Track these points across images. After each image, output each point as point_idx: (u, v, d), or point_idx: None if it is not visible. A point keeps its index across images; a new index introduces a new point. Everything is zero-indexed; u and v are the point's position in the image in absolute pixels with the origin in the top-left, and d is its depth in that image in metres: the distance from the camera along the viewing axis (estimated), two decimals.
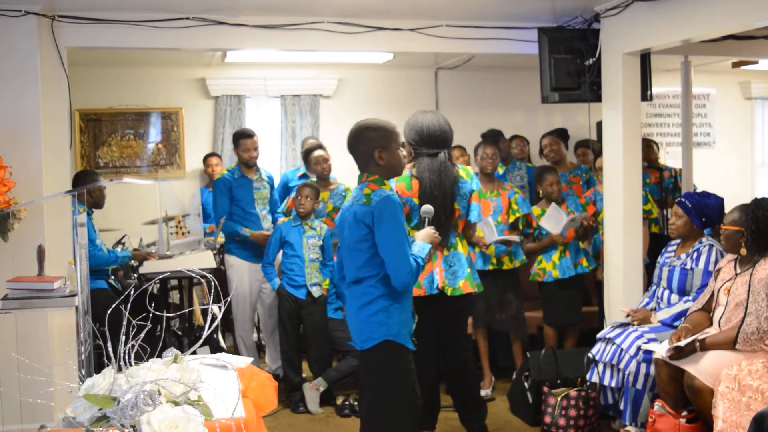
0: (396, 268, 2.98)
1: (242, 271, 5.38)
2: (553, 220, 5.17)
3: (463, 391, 4.04)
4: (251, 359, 2.30)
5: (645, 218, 5.46)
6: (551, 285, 5.22)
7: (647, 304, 4.42)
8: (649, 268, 5.30)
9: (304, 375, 5.15)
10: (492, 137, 6.18)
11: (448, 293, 3.83)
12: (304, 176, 5.89)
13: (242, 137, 5.43)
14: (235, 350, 5.52)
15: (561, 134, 6.53)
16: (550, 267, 5.21)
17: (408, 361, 3.13)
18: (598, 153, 5.64)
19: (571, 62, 4.94)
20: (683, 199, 4.31)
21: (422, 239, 3.21)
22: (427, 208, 3.37)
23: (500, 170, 5.92)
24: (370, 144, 3.13)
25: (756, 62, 6.61)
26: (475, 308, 4.94)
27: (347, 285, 3.20)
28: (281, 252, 5.19)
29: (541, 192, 5.40)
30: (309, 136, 6.80)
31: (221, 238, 6.03)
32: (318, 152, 5.54)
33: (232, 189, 5.40)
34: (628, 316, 4.36)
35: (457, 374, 4.03)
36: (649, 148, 6.34)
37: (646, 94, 4.91)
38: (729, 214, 3.87)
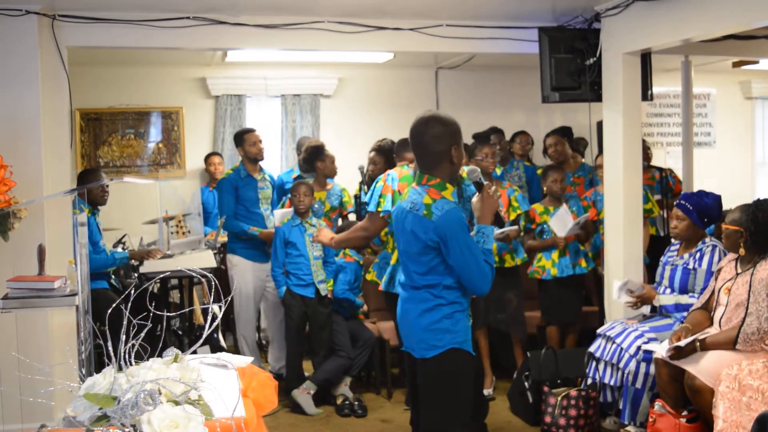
0: (471, 281, 2.85)
1: (246, 271, 5.37)
2: (561, 222, 5.18)
3: None
4: (252, 358, 2.30)
5: (645, 217, 5.46)
6: (549, 283, 5.23)
7: None
8: (650, 267, 5.30)
9: (306, 373, 5.15)
10: (485, 137, 6.12)
11: None
12: (298, 177, 5.90)
13: (246, 132, 5.49)
14: (236, 350, 5.52)
15: (565, 133, 6.48)
16: (549, 265, 5.21)
17: (472, 369, 3.02)
18: (598, 151, 5.63)
19: (571, 62, 4.94)
20: (683, 202, 4.29)
21: (481, 219, 2.97)
22: (473, 168, 3.08)
23: (498, 170, 5.90)
24: (447, 140, 2.87)
25: (756, 62, 6.61)
26: (476, 307, 4.93)
27: (404, 286, 3.05)
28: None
29: (545, 189, 5.40)
30: (305, 136, 6.78)
31: (222, 237, 6.04)
32: (329, 152, 5.55)
33: (238, 189, 5.39)
34: (632, 305, 4.33)
35: None
36: (644, 149, 6.31)
37: (646, 94, 4.90)
38: (730, 214, 3.87)
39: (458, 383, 2.96)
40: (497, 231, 4.87)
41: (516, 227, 5.12)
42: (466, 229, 2.87)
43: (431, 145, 2.88)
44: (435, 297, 2.91)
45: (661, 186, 5.86)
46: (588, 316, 5.41)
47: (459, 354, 2.93)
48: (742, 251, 3.76)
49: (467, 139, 5.91)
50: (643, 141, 6.35)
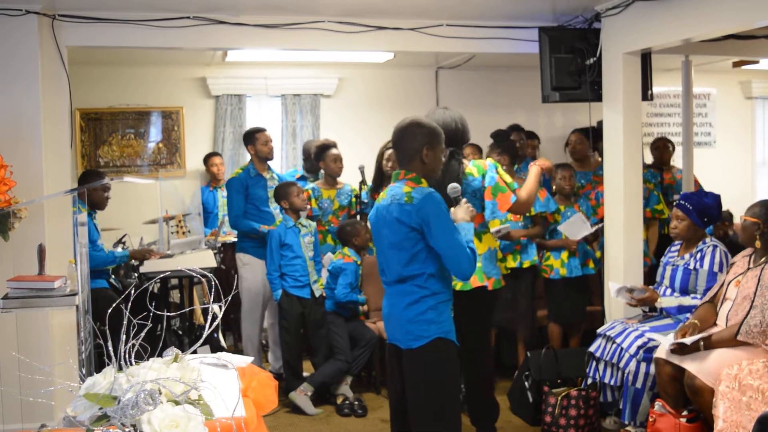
0: (455, 262, 3.00)
1: (257, 270, 5.34)
2: (575, 228, 5.14)
3: (475, 391, 4.00)
4: (252, 358, 2.30)
5: (656, 218, 5.45)
6: (557, 283, 5.23)
7: None
8: (651, 269, 5.29)
9: (306, 373, 5.15)
10: (500, 136, 6.08)
11: (457, 288, 3.79)
12: (302, 178, 5.88)
13: (257, 131, 5.48)
14: (237, 349, 5.52)
15: (588, 133, 6.45)
16: (558, 264, 5.22)
17: (457, 358, 3.14)
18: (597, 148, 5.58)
19: (571, 62, 4.94)
20: (683, 202, 4.29)
21: (461, 219, 3.18)
22: (453, 186, 3.33)
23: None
24: (419, 140, 3.14)
25: (757, 62, 6.61)
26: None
27: (389, 283, 3.18)
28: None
29: (554, 187, 5.39)
30: (310, 140, 6.77)
31: (222, 238, 6.04)
32: (334, 150, 5.56)
33: (248, 188, 5.39)
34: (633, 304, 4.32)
35: (470, 373, 3.98)
36: (665, 148, 6.28)
37: (646, 94, 4.91)
38: (751, 208, 3.90)
39: (445, 372, 3.08)
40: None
41: (507, 226, 5.05)
42: (447, 210, 3.05)
43: (405, 142, 3.18)
44: (420, 288, 3.06)
45: (674, 186, 5.86)
46: (591, 316, 5.41)
47: (445, 343, 3.08)
48: (758, 243, 3.79)
49: (485, 138, 5.89)
50: (666, 139, 6.30)
